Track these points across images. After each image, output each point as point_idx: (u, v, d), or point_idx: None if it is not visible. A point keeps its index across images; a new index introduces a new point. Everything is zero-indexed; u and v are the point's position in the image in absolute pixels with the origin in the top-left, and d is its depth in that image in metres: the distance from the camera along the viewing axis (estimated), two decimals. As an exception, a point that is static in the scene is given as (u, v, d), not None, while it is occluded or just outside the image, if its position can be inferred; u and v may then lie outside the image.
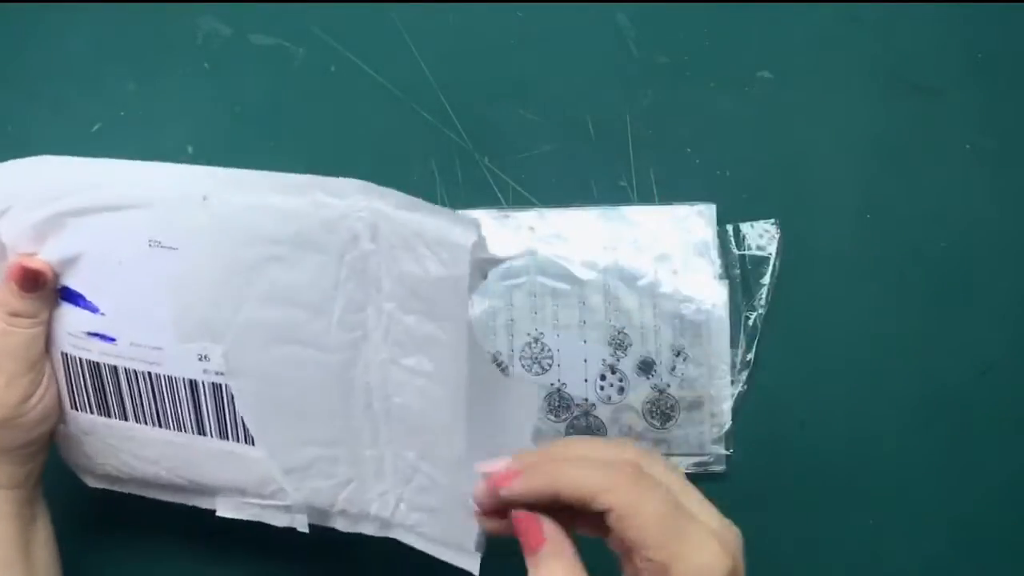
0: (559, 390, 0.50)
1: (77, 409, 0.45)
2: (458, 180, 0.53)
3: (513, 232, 0.51)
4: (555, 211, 0.52)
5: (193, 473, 0.45)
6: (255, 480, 0.44)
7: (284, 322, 0.41)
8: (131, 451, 0.46)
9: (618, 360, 0.50)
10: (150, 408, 0.44)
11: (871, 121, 0.53)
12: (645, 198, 0.52)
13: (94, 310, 0.43)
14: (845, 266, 0.51)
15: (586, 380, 0.50)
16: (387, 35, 0.54)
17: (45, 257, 0.43)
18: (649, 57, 0.54)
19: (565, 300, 0.50)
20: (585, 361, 0.50)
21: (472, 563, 0.43)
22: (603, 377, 0.50)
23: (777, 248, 0.51)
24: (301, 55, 0.54)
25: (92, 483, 0.48)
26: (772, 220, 0.52)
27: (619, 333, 0.50)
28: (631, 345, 0.50)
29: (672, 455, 0.51)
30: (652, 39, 0.54)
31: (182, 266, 0.41)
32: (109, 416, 0.45)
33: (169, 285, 0.42)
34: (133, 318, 0.43)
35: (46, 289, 0.43)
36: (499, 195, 0.53)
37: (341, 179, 0.40)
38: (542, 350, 0.50)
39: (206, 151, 0.54)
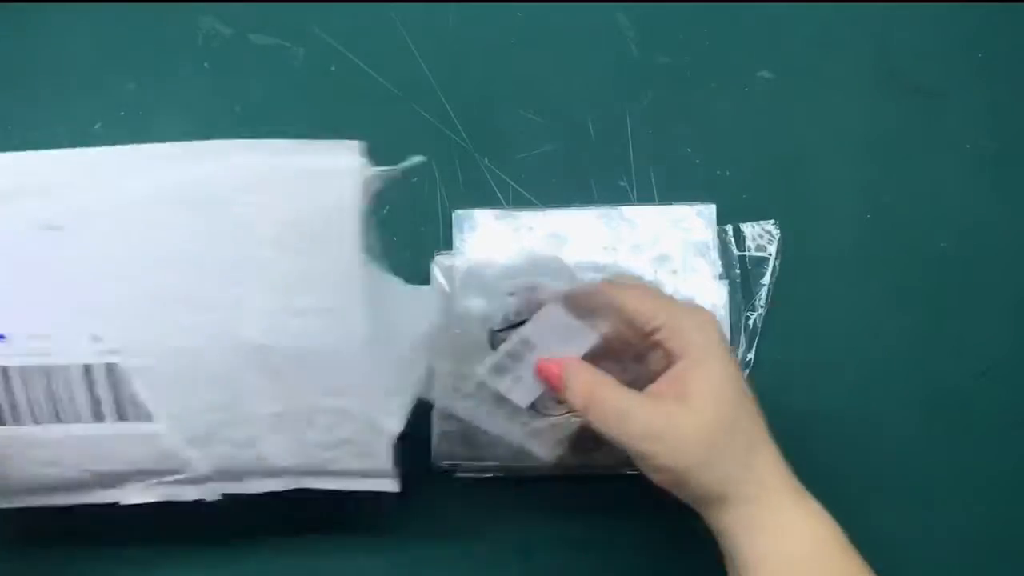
0: None
1: None
2: (458, 180, 0.53)
3: (513, 232, 0.51)
4: (555, 211, 0.52)
5: (96, 464, 0.44)
6: (158, 456, 0.43)
7: (169, 287, 0.41)
8: (30, 457, 0.44)
9: None
10: (46, 405, 0.43)
11: (871, 121, 0.53)
12: (645, 198, 0.52)
13: None
14: (845, 266, 0.51)
15: None
16: (387, 35, 0.54)
17: None
18: (649, 57, 0.54)
19: None
20: None
21: (392, 484, 0.44)
22: None
23: (777, 248, 0.51)
24: (301, 55, 0.54)
25: None
26: (772, 220, 0.52)
27: None
28: None
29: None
30: (652, 39, 0.54)
31: (66, 245, 0.41)
32: (3, 424, 0.44)
33: (54, 267, 0.41)
34: (20, 309, 0.42)
35: None
36: (499, 195, 0.53)
37: (219, 141, 0.41)
38: None
39: (206, 151, 0.54)
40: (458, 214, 0.52)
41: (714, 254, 0.51)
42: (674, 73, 0.54)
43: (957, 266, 0.51)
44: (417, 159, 0.40)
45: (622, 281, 0.44)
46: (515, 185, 0.53)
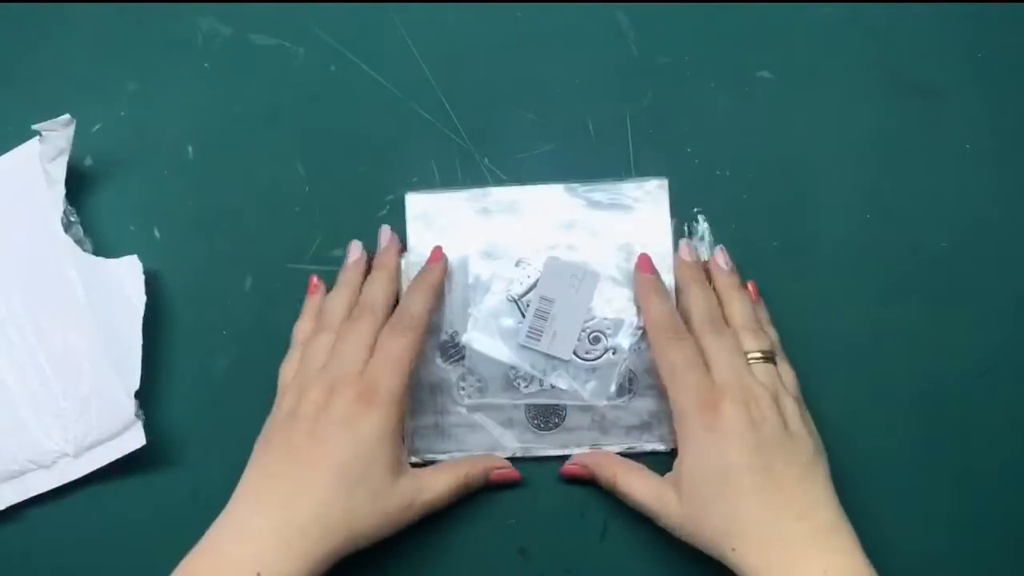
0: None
1: None
2: (458, 180, 0.53)
3: (475, 215, 0.51)
4: (505, 189, 0.52)
5: None
6: None
7: None
8: None
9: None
10: None
11: (871, 121, 0.53)
12: (645, 198, 0.52)
13: None
14: (845, 266, 0.51)
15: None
16: (387, 35, 0.54)
17: None
18: (649, 57, 0.54)
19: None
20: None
21: (137, 438, 0.48)
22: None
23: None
24: (301, 55, 0.54)
25: None
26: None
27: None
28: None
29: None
30: (652, 39, 0.54)
31: None
32: None
33: None
34: None
35: None
36: (499, 195, 0.53)
37: None
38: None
39: (206, 151, 0.54)
40: (411, 198, 0.51)
41: (667, 226, 0.50)
42: (674, 73, 0.54)
43: (957, 266, 0.51)
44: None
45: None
46: (515, 185, 0.52)
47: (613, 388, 0.49)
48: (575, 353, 0.49)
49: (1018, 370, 0.50)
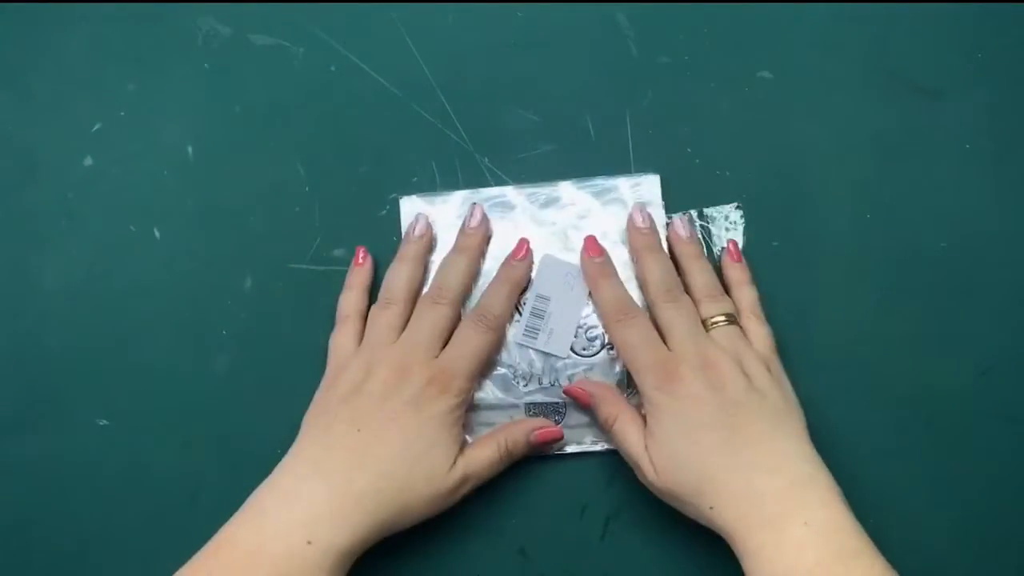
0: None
1: None
2: (458, 180, 0.53)
3: (456, 219, 0.52)
4: (493, 189, 0.52)
5: None
6: None
7: None
8: None
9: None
10: None
11: (871, 121, 0.53)
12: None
13: None
14: (845, 266, 0.51)
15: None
16: (387, 35, 0.54)
17: None
18: (649, 57, 0.54)
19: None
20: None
21: None
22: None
23: (743, 232, 0.52)
24: (301, 55, 0.54)
25: None
26: (734, 203, 0.52)
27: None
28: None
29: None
30: (652, 39, 0.54)
31: None
32: None
33: None
34: None
35: None
36: (499, 195, 0.53)
37: None
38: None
39: (206, 151, 0.54)
40: (405, 201, 0.52)
41: (662, 223, 0.51)
42: (674, 73, 0.54)
43: (957, 266, 0.51)
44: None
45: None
46: (515, 185, 0.52)
47: (611, 384, 0.49)
48: (572, 350, 0.49)
49: (1018, 370, 0.50)
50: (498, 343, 0.48)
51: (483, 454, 0.47)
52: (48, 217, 0.53)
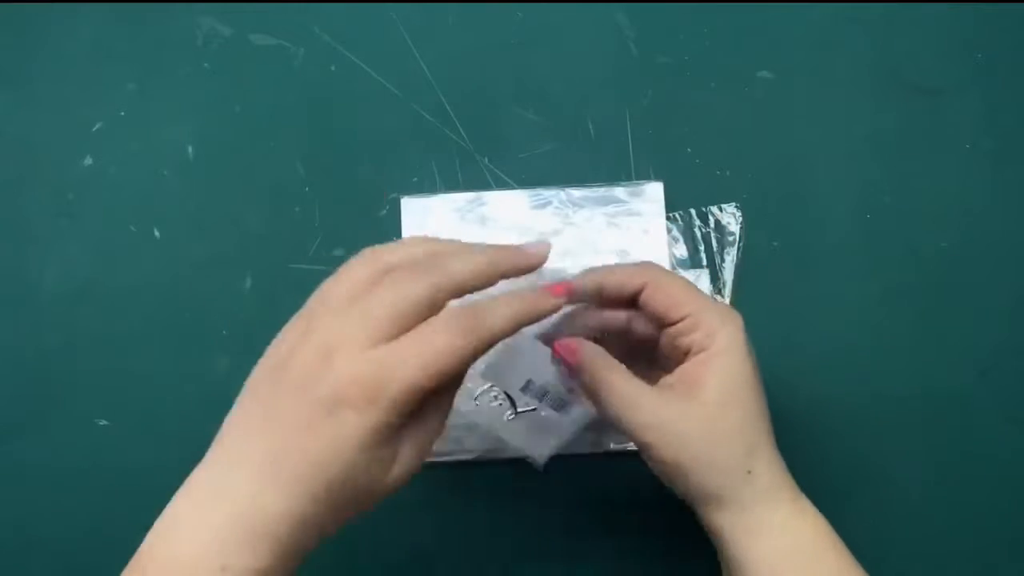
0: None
1: None
2: (458, 180, 0.53)
3: (460, 222, 0.51)
4: (496, 193, 0.52)
5: None
6: None
7: None
8: None
9: None
10: None
11: (871, 121, 0.53)
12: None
13: None
14: (845, 266, 0.51)
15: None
16: (387, 35, 0.54)
17: None
18: (649, 57, 0.54)
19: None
20: None
21: None
22: None
23: (741, 231, 0.51)
24: (301, 55, 0.54)
25: None
26: (734, 203, 0.52)
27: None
28: None
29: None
30: (652, 39, 0.54)
31: None
32: None
33: None
34: None
35: None
36: (499, 195, 0.53)
37: None
38: None
39: (206, 151, 0.54)
40: (406, 202, 0.52)
41: (662, 231, 0.51)
42: (674, 73, 0.54)
43: (957, 266, 0.51)
44: None
45: (656, 268, 0.42)
46: (515, 185, 0.53)
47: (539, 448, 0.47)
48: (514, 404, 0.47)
49: (1018, 370, 0.50)
50: (469, 360, 0.34)
51: (425, 438, 0.36)
52: (48, 217, 0.53)
